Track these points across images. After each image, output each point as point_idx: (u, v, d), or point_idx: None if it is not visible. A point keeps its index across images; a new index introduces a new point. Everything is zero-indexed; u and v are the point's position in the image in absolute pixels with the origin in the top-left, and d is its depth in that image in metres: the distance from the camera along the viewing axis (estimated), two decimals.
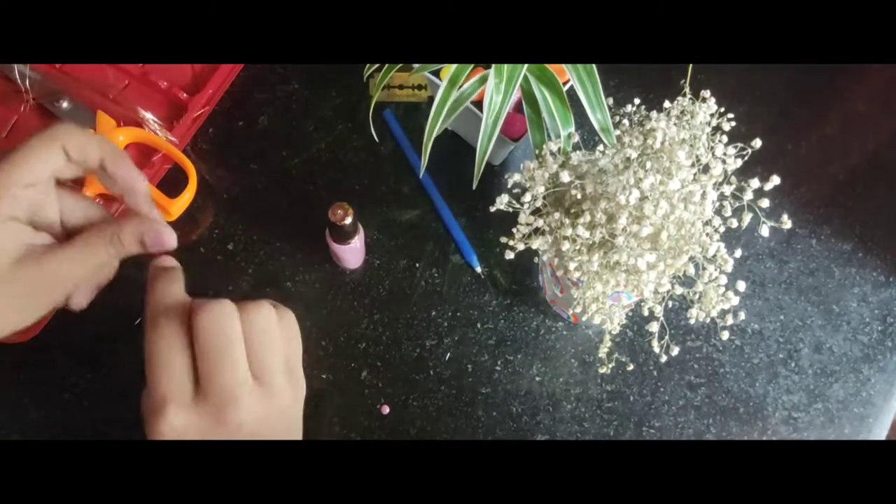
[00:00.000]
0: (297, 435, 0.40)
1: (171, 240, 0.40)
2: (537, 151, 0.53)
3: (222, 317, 0.36)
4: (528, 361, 0.63)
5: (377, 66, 0.60)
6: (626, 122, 0.52)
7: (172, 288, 0.39)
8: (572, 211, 0.48)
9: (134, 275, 0.63)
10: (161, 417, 0.35)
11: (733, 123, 0.49)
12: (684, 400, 0.62)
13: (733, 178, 0.48)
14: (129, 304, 0.63)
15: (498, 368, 0.62)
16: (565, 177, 0.47)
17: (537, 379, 0.62)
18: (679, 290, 0.47)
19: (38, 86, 0.64)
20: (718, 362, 0.63)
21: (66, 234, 0.41)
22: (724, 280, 0.46)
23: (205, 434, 0.36)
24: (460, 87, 0.54)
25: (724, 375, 0.63)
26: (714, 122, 0.50)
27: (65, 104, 0.65)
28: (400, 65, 0.56)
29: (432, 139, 0.53)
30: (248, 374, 0.37)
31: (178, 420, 0.35)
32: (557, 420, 0.61)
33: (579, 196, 0.47)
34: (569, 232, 0.46)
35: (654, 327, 0.48)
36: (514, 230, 0.49)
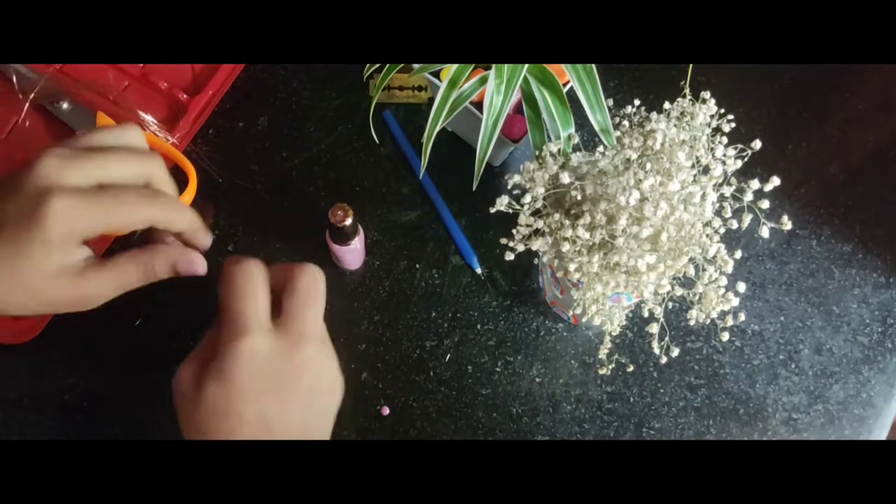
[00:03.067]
0: (335, 405, 0.42)
1: (202, 267, 0.42)
2: (537, 152, 0.53)
3: (318, 276, 0.41)
4: (528, 362, 0.63)
5: (377, 66, 0.60)
6: (625, 123, 0.52)
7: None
8: (572, 212, 0.48)
9: None
10: (244, 339, 0.37)
11: (733, 124, 0.49)
12: (684, 401, 0.62)
13: (733, 180, 0.48)
14: (129, 305, 0.63)
15: (498, 369, 0.62)
16: (565, 178, 0.47)
17: (537, 380, 0.62)
18: (679, 292, 0.47)
19: (37, 87, 0.64)
20: (718, 363, 0.63)
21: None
22: (724, 281, 0.46)
23: (275, 365, 0.38)
24: (460, 87, 0.54)
25: (724, 377, 0.63)
26: (714, 124, 0.50)
27: (65, 105, 0.66)
28: (400, 66, 0.56)
29: (432, 140, 0.53)
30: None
31: (258, 344, 0.37)
32: (557, 421, 0.61)
33: (579, 197, 0.47)
34: (569, 233, 0.46)
35: (654, 328, 0.48)
36: (514, 231, 0.49)
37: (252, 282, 0.39)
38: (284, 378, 0.38)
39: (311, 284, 0.41)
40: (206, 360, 0.39)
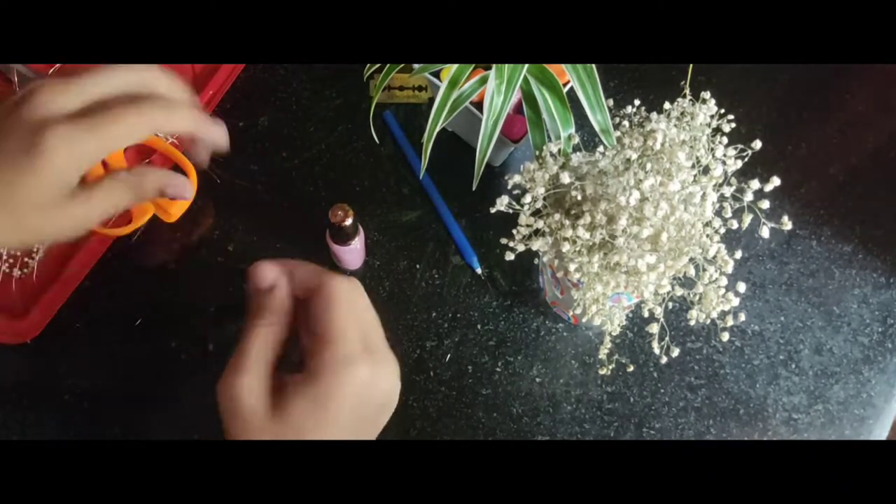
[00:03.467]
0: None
1: (190, 191, 0.42)
2: (537, 153, 0.53)
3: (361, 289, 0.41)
4: (528, 363, 0.63)
5: (377, 67, 0.60)
6: (626, 123, 0.52)
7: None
8: (572, 212, 0.48)
9: (133, 277, 0.64)
10: (353, 367, 0.36)
11: (733, 125, 0.49)
12: (684, 401, 0.62)
13: (733, 180, 0.48)
14: (129, 306, 0.63)
15: (498, 370, 0.62)
16: (565, 178, 0.47)
17: (537, 380, 0.62)
18: (679, 292, 0.47)
19: None
20: (719, 363, 0.63)
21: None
22: (724, 281, 0.46)
23: (376, 390, 0.38)
24: (460, 87, 0.54)
25: (724, 377, 0.63)
26: (714, 124, 0.50)
27: None
28: (400, 66, 0.56)
29: (432, 140, 0.53)
30: None
31: (364, 373, 0.37)
32: (558, 421, 0.61)
33: (579, 197, 0.47)
34: (569, 233, 0.46)
35: (654, 328, 0.48)
36: (515, 231, 0.49)
37: (359, 306, 0.39)
38: (378, 406, 0.39)
39: (361, 301, 0.40)
40: (264, 370, 0.37)
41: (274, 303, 0.39)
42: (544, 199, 0.48)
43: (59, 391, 0.60)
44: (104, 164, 0.58)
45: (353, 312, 0.38)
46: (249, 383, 0.36)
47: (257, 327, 0.38)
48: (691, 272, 0.46)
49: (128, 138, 0.38)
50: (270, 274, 0.39)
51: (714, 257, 0.46)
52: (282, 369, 0.38)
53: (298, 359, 0.41)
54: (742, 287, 0.46)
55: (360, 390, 0.37)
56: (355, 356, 0.36)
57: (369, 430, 0.40)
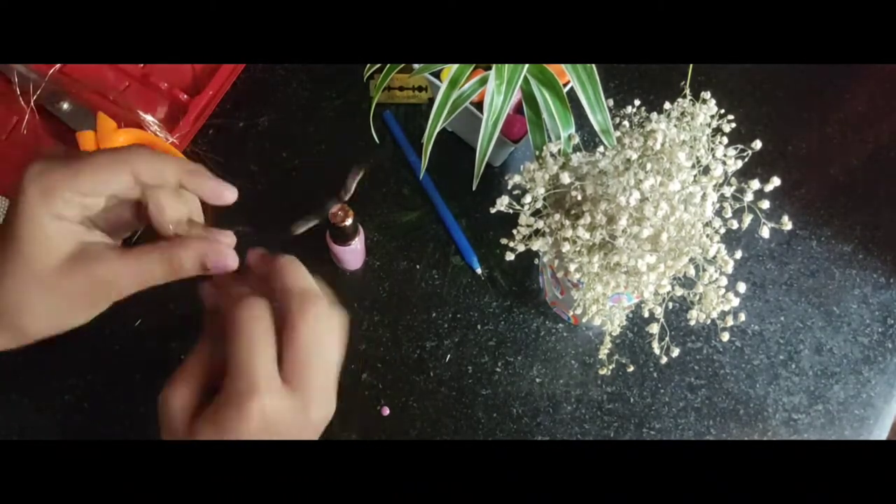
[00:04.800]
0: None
1: (233, 262, 0.39)
2: (537, 153, 0.53)
3: (323, 313, 0.37)
4: (528, 363, 0.63)
5: (377, 67, 0.60)
6: (626, 123, 0.52)
7: (299, 273, 0.39)
8: (572, 212, 0.48)
9: None
10: (254, 399, 0.34)
11: (733, 125, 0.49)
12: (684, 401, 0.62)
13: (733, 180, 0.48)
14: (129, 306, 0.63)
15: (498, 370, 0.62)
16: (565, 178, 0.47)
17: (537, 380, 0.62)
18: (679, 292, 0.47)
19: (38, 87, 0.64)
20: (719, 364, 0.63)
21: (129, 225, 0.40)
22: (724, 281, 0.46)
23: (288, 424, 0.35)
24: (460, 88, 0.54)
25: (724, 377, 0.63)
26: (714, 124, 0.50)
27: (65, 106, 0.65)
28: (400, 66, 0.56)
29: (433, 140, 0.53)
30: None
31: (269, 405, 0.34)
32: (558, 421, 0.61)
33: (579, 197, 0.47)
34: (569, 233, 0.46)
35: (654, 329, 0.48)
36: (515, 231, 0.49)
37: (263, 333, 0.36)
38: (296, 432, 0.37)
39: (317, 329, 0.37)
40: (196, 387, 0.37)
41: (213, 327, 0.38)
42: (544, 199, 0.48)
43: (59, 391, 0.60)
44: None
45: (266, 341, 0.36)
46: (179, 393, 0.37)
47: (200, 347, 0.39)
48: (691, 272, 0.46)
49: (109, 184, 0.35)
50: (210, 297, 0.40)
51: (714, 257, 0.46)
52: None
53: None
54: (742, 287, 0.46)
55: (263, 425, 0.35)
56: (259, 388, 0.34)
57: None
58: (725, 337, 0.48)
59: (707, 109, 0.49)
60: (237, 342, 0.35)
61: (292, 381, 0.36)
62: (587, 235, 0.46)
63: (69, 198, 0.34)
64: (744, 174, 0.47)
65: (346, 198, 0.43)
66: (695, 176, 0.48)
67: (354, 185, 0.53)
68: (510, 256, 0.49)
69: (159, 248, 0.37)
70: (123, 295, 0.38)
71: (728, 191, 0.48)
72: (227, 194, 0.39)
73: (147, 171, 0.36)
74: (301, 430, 0.36)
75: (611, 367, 0.52)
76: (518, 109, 0.62)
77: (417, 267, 0.65)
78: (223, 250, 0.38)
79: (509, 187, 0.49)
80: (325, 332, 0.37)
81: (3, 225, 0.35)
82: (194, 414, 0.37)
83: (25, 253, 0.34)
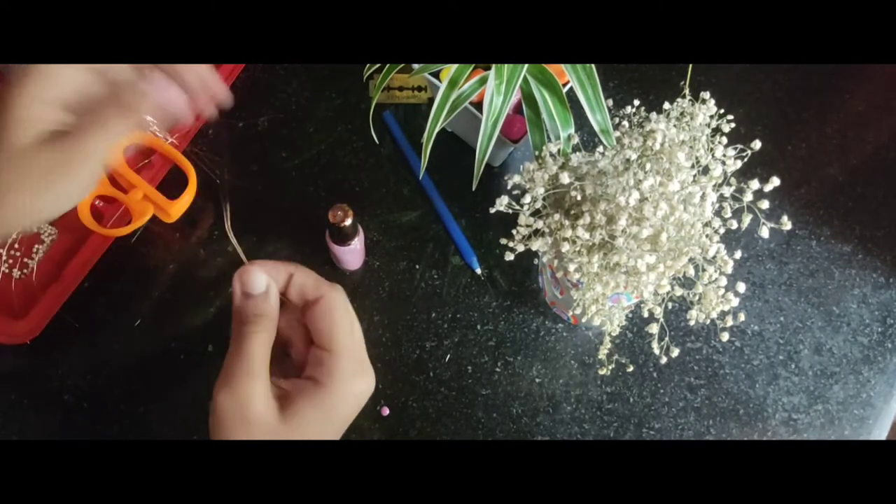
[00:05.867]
0: None
1: (182, 105, 0.41)
2: (537, 153, 0.53)
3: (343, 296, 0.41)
4: (527, 363, 0.63)
5: (377, 67, 0.60)
6: (625, 123, 0.52)
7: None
8: (572, 212, 0.48)
9: (133, 277, 0.64)
10: (363, 378, 0.38)
11: (733, 125, 0.49)
12: (684, 401, 0.62)
13: (733, 180, 0.48)
14: (129, 306, 0.63)
15: (498, 370, 0.62)
16: (565, 178, 0.47)
17: (537, 380, 0.62)
18: (679, 292, 0.47)
19: None
20: (718, 364, 0.63)
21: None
22: (723, 281, 0.46)
23: (364, 399, 0.39)
24: (460, 88, 0.54)
25: (723, 377, 0.63)
26: (714, 124, 0.50)
27: None
28: (400, 66, 0.56)
29: (432, 140, 0.53)
30: None
31: (366, 383, 0.39)
32: (557, 421, 0.61)
33: (579, 197, 0.47)
34: (569, 233, 0.46)
35: (653, 329, 0.48)
36: (514, 231, 0.49)
37: (353, 319, 0.40)
38: (353, 414, 0.40)
39: (348, 312, 0.40)
40: (267, 378, 0.37)
41: (268, 309, 0.39)
42: (544, 199, 0.48)
43: (59, 391, 0.60)
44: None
45: (352, 326, 0.39)
46: (259, 389, 0.36)
47: (253, 333, 0.38)
48: (691, 272, 0.46)
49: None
50: (262, 280, 0.40)
51: (714, 257, 0.46)
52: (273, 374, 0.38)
53: (287, 364, 0.40)
54: (742, 287, 0.46)
55: (359, 401, 0.38)
56: (358, 370, 0.38)
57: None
58: (725, 337, 0.48)
59: (706, 109, 0.49)
60: (341, 324, 0.39)
61: (359, 357, 0.39)
62: (587, 235, 0.46)
63: (63, 81, 0.37)
64: (743, 174, 0.47)
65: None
66: (694, 176, 0.48)
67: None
68: (510, 256, 0.49)
69: (112, 102, 0.39)
70: (97, 155, 0.38)
71: (727, 191, 0.48)
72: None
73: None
74: (361, 404, 0.39)
75: (610, 367, 0.52)
76: (518, 109, 0.62)
77: (417, 267, 0.65)
78: (173, 94, 0.40)
79: (509, 187, 0.49)
80: (350, 310, 0.41)
81: None
82: (277, 401, 0.37)
83: (11, 136, 0.36)
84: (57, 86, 0.36)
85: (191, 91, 0.40)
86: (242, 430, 0.36)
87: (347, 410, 0.38)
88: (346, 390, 0.38)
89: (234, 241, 0.45)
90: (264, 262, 0.40)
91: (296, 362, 0.41)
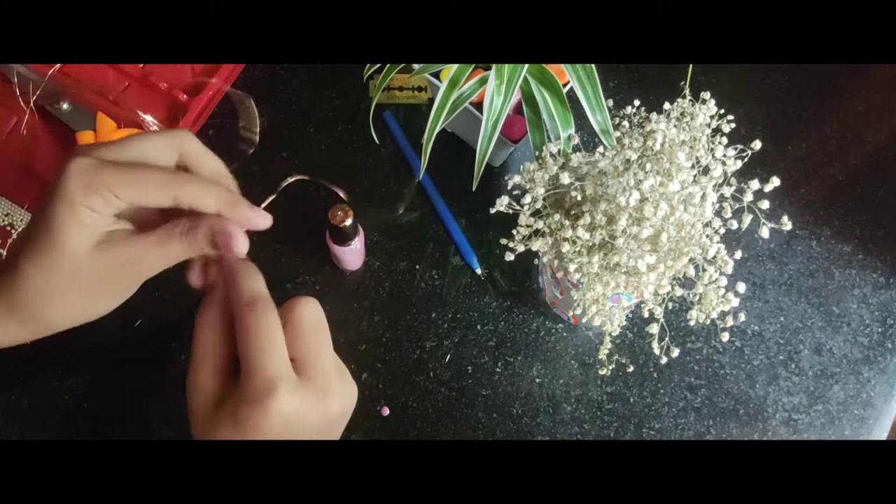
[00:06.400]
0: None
1: (241, 244, 0.39)
2: (537, 153, 0.53)
3: (318, 308, 0.39)
4: (528, 363, 0.63)
5: (377, 67, 0.60)
6: (625, 123, 0.52)
7: (258, 277, 0.39)
8: (572, 213, 0.48)
9: None
10: (272, 400, 0.34)
11: (733, 125, 0.49)
12: (684, 401, 0.62)
13: (733, 180, 0.48)
14: (128, 307, 0.63)
15: (498, 370, 0.62)
16: (565, 178, 0.47)
17: (537, 380, 0.62)
18: (679, 292, 0.47)
19: (38, 87, 0.64)
20: (718, 364, 0.63)
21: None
22: (724, 282, 0.46)
23: (307, 419, 0.36)
24: (460, 88, 0.54)
25: (724, 377, 0.63)
26: (714, 124, 0.50)
27: (65, 106, 0.66)
28: (400, 66, 0.56)
29: (432, 140, 0.53)
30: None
31: (287, 403, 0.35)
32: (558, 422, 0.61)
33: (579, 198, 0.47)
34: (569, 233, 0.46)
35: (654, 329, 0.48)
36: (514, 232, 0.49)
37: (274, 331, 0.36)
38: (314, 431, 0.37)
39: (317, 321, 0.38)
40: (212, 371, 0.37)
41: (213, 302, 0.39)
42: (544, 199, 0.48)
43: (59, 391, 0.60)
44: None
45: (277, 338, 0.36)
46: (203, 382, 0.37)
47: (200, 326, 0.39)
48: (691, 272, 0.46)
49: (147, 191, 0.36)
50: (197, 279, 0.40)
51: (714, 258, 0.46)
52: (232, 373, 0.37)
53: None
54: (742, 287, 0.46)
55: (283, 421, 0.35)
56: (276, 385, 0.35)
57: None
58: (725, 337, 0.48)
59: (707, 109, 0.49)
60: (248, 341, 0.36)
61: (308, 373, 0.37)
62: (587, 236, 0.46)
63: (109, 199, 0.36)
64: (743, 174, 0.47)
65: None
66: (694, 176, 0.48)
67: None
68: (510, 257, 0.49)
69: (176, 223, 0.38)
70: (151, 273, 0.39)
71: (728, 191, 0.48)
72: (263, 223, 0.40)
73: (189, 198, 0.37)
74: (321, 421, 0.37)
75: (610, 368, 0.52)
76: (518, 110, 0.62)
77: (417, 267, 0.65)
78: (230, 231, 0.38)
79: (509, 187, 0.49)
80: (322, 321, 0.39)
81: (35, 215, 0.37)
82: (217, 401, 0.37)
83: (57, 239, 0.36)
84: (120, 200, 0.36)
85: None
86: (190, 417, 0.37)
87: (268, 431, 0.35)
88: (259, 408, 0.35)
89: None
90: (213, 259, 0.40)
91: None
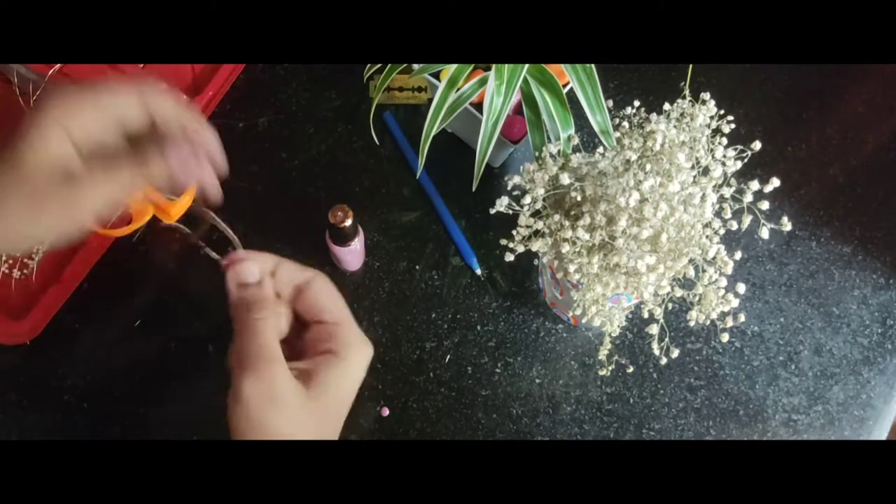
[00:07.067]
0: None
1: (209, 134, 0.41)
2: (537, 153, 0.53)
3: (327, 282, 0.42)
4: (527, 363, 0.63)
5: (377, 68, 0.60)
6: (625, 124, 0.52)
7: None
8: (572, 213, 0.48)
9: (133, 277, 0.64)
10: (368, 345, 0.40)
11: (733, 126, 0.49)
12: (684, 402, 0.62)
13: (733, 181, 0.48)
14: (129, 306, 0.63)
15: (498, 370, 0.62)
16: (565, 179, 0.47)
17: (537, 381, 0.62)
18: (679, 293, 0.47)
19: (38, 87, 0.64)
20: (718, 364, 0.63)
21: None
22: (723, 282, 0.46)
23: (366, 365, 0.40)
24: (459, 88, 0.54)
25: (723, 378, 0.63)
26: (714, 125, 0.50)
27: None
28: (401, 67, 0.56)
29: (430, 140, 0.53)
30: None
31: (370, 350, 0.40)
32: (557, 422, 0.61)
33: (579, 198, 0.47)
34: (569, 234, 0.46)
35: (653, 329, 0.48)
36: (514, 232, 0.49)
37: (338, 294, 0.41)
38: (360, 380, 0.41)
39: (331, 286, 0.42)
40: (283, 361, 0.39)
41: (267, 295, 0.40)
42: (544, 200, 0.48)
43: (59, 391, 0.60)
44: None
45: (342, 300, 0.41)
46: (281, 370, 0.37)
47: (260, 320, 0.39)
48: (691, 273, 0.46)
49: (114, 105, 0.38)
50: (255, 269, 0.41)
51: (714, 258, 0.46)
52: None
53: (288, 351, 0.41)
54: (742, 288, 0.46)
55: (366, 367, 0.40)
56: (362, 337, 0.40)
57: None
58: (725, 338, 0.48)
59: (706, 110, 0.49)
60: (338, 298, 0.41)
61: (354, 332, 0.41)
62: (587, 236, 0.46)
63: (87, 113, 0.37)
64: (743, 175, 0.47)
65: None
66: (694, 177, 0.48)
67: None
68: (510, 257, 0.49)
69: (126, 157, 0.39)
70: (95, 209, 0.38)
71: (727, 192, 0.48)
72: (220, 156, 0.42)
73: (160, 106, 0.39)
74: (365, 369, 0.41)
75: (610, 368, 0.52)
76: (518, 110, 0.62)
77: (417, 267, 0.65)
78: (190, 159, 0.40)
79: (509, 188, 0.49)
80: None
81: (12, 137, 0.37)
82: (300, 379, 0.38)
83: (22, 159, 0.36)
84: (77, 127, 0.37)
85: (199, 156, 0.40)
86: (273, 411, 0.36)
87: (361, 374, 0.40)
88: (361, 355, 0.40)
89: (225, 229, 0.46)
90: (251, 252, 0.42)
91: (296, 348, 0.42)
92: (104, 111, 0.37)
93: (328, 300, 0.40)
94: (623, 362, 0.61)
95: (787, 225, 0.46)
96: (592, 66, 0.52)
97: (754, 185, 0.46)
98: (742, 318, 0.47)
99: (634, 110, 0.52)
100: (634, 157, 0.47)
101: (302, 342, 0.41)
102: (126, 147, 0.40)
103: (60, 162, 0.37)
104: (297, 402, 0.37)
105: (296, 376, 0.38)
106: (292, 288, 0.41)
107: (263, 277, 0.41)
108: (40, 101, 0.36)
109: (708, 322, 0.46)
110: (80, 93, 0.37)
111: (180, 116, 0.39)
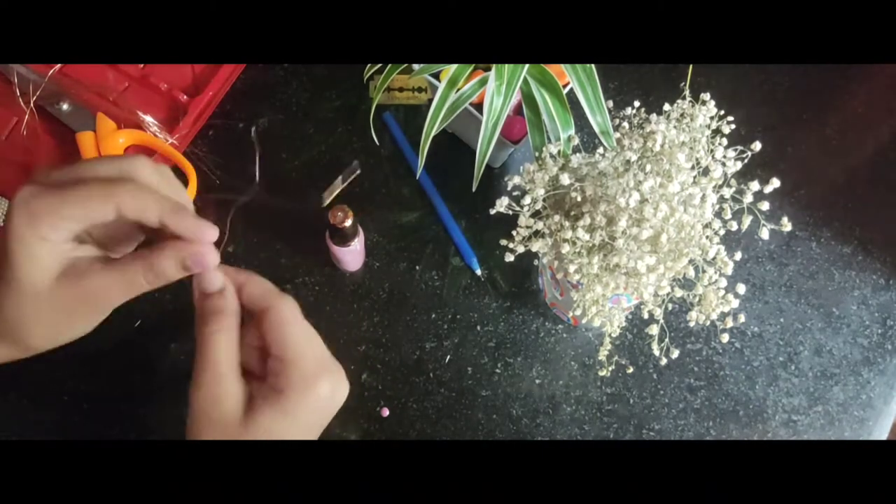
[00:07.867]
0: None
1: (213, 259, 0.39)
2: (537, 154, 0.53)
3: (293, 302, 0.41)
4: (527, 364, 0.63)
5: (377, 68, 0.60)
6: (625, 124, 0.52)
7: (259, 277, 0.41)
8: (572, 213, 0.48)
9: None
10: (323, 381, 0.38)
11: (733, 126, 0.49)
12: (684, 403, 0.62)
13: (733, 181, 0.48)
14: (128, 307, 0.63)
15: (498, 371, 0.62)
16: (565, 179, 0.47)
17: (537, 381, 0.62)
18: (679, 293, 0.47)
19: (38, 88, 0.64)
20: (718, 365, 0.63)
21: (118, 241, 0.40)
22: (723, 283, 0.46)
23: (340, 398, 0.39)
24: (459, 89, 0.54)
25: (723, 378, 0.63)
26: (714, 125, 0.50)
27: (65, 106, 0.66)
28: (401, 67, 0.56)
29: (430, 140, 0.53)
30: None
31: (329, 383, 0.38)
32: (557, 423, 0.61)
33: (579, 199, 0.47)
34: (569, 234, 0.46)
35: (653, 330, 0.48)
36: (514, 233, 0.49)
37: (303, 320, 0.39)
38: (335, 410, 0.40)
39: (298, 313, 0.40)
40: (237, 377, 0.38)
41: (225, 306, 0.39)
42: (544, 200, 0.48)
43: (59, 391, 0.60)
44: None
45: (306, 333, 0.39)
46: (225, 391, 0.37)
47: (213, 333, 0.39)
48: (691, 274, 0.46)
49: (91, 210, 0.35)
50: (217, 279, 0.40)
51: (714, 259, 0.46)
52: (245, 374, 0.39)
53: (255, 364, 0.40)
54: (742, 288, 0.46)
55: (329, 404, 0.39)
56: (318, 373, 0.38)
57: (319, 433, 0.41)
58: (725, 338, 0.48)
59: (706, 111, 0.49)
60: (292, 332, 0.38)
61: (318, 361, 0.39)
62: (587, 237, 0.46)
63: (54, 223, 0.35)
64: (743, 175, 0.47)
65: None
66: (694, 177, 0.48)
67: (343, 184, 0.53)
68: (510, 258, 0.49)
69: (140, 257, 0.37)
70: (114, 305, 0.39)
71: (728, 192, 0.48)
72: (209, 233, 0.38)
73: (131, 206, 0.36)
74: (341, 400, 0.40)
75: (610, 369, 0.52)
76: (518, 111, 0.62)
77: (417, 268, 0.65)
78: (201, 251, 0.38)
79: (509, 188, 0.49)
80: (301, 318, 0.40)
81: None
82: (249, 402, 0.38)
83: (17, 274, 0.35)
84: (55, 233, 0.35)
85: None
86: (208, 430, 0.37)
87: (315, 415, 0.38)
88: (308, 396, 0.37)
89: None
90: (224, 265, 0.40)
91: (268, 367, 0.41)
92: (74, 221, 0.35)
93: (287, 332, 0.38)
94: (623, 363, 0.61)
95: (787, 225, 0.46)
96: (592, 66, 0.52)
97: (754, 185, 0.46)
98: (742, 318, 0.47)
99: (634, 111, 0.52)
100: (634, 158, 0.47)
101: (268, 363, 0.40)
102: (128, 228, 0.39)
103: (59, 267, 0.36)
104: (232, 430, 0.37)
105: (249, 395, 0.38)
106: (258, 308, 0.40)
107: (227, 289, 0.40)
108: (9, 222, 0.34)
109: (708, 323, 0.46)
110: (47, 204, 0.35)
111: (160, 211, 0.37)
